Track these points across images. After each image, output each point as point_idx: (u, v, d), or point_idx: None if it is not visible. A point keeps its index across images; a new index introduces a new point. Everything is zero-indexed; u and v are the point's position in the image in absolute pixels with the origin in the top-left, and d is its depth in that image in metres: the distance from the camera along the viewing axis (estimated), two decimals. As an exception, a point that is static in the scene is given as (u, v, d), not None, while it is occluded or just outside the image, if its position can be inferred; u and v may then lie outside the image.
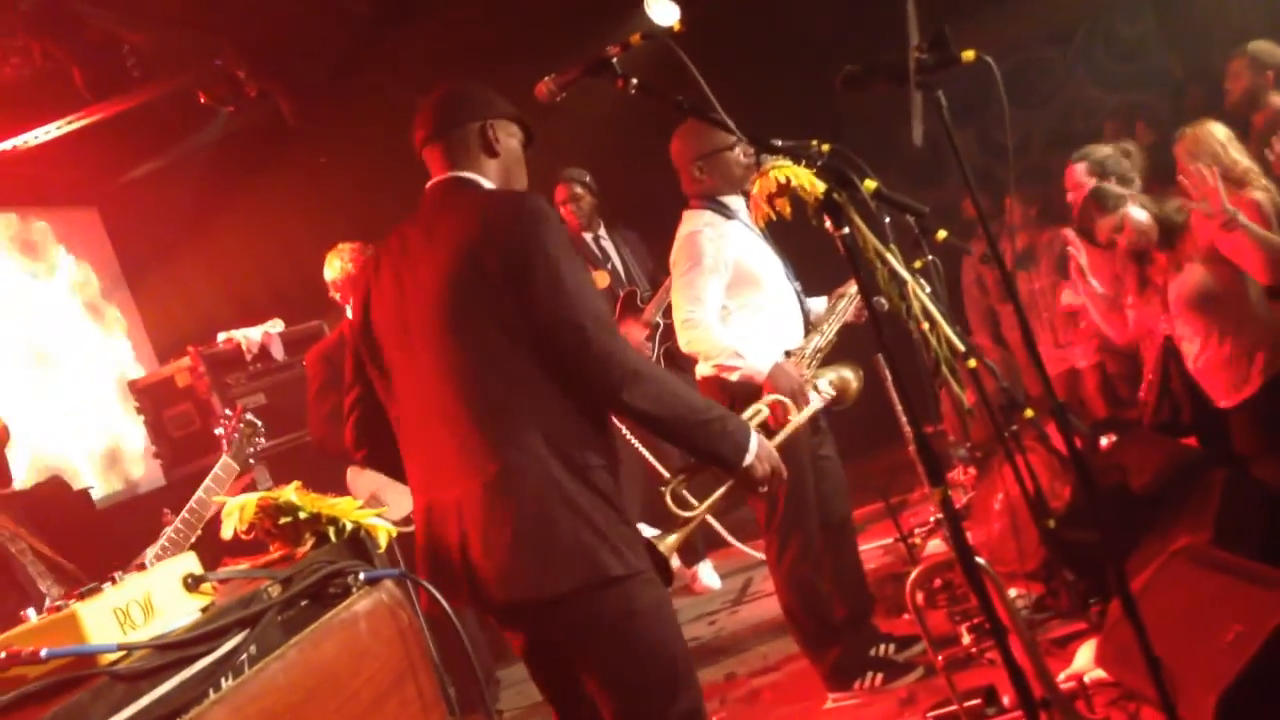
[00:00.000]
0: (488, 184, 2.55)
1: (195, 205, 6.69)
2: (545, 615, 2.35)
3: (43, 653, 1.09)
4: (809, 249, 4.56)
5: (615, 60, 2.51)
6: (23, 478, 5.79)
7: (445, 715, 1.45)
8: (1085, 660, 3.36)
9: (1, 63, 4.85)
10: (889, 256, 2.45)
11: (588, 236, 5.67)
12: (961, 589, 4.16)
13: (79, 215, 6.69)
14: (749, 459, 2.47)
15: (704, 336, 3.76)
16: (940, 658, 3.21)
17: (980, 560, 2.44)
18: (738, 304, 3.87)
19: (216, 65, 5.49)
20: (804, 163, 2.63)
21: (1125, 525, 3.83)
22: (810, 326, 3.99)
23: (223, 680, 1.19)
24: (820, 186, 2.36)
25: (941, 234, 3.49)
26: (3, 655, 1.09)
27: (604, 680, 2.41)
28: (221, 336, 5.27)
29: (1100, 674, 3.26)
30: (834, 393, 3.64)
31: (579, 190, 5.62)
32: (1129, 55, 7.88)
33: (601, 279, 5.25)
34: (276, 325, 5.36)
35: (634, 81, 2.49)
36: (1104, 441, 5.02)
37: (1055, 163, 6.40)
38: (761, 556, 5.00)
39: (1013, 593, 3.83)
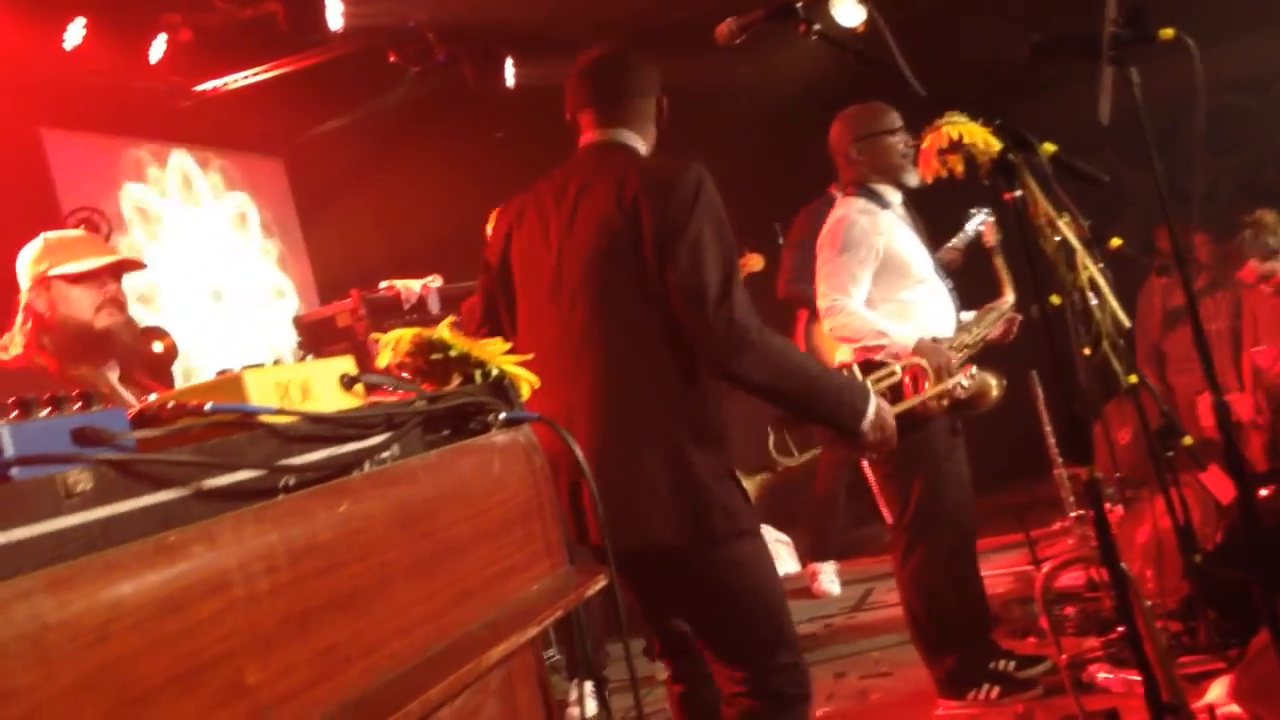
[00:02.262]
0: (644, 151, 2.65)
1: (372, 163, 6.97)
2: (646, 566, 2.39)
3: (207, 406, 1.15)
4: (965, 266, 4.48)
5: (799, 5, 2.52)
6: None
7: (565, 561, 1.47)
8: (1219, 694, 3.21)
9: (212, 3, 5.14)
10: (1060, 224, 2.40)
11: None
12: (1092, 612, 4.03)
13: (265, 164, 7.04)
14: (864, 424, 2.50)
15: (847, 321, 3.66)
16: (1065, 657, 3.10)
17: (1122, 565, 2.36)
18: (884, 296, 3.77)
19: (410, 26, 5.73)
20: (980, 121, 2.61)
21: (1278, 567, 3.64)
22: (959, 328, 3.90)
23: (366, 465, 1.24)
24: (996, 145, 2.31)
25: (1116, 241, 3.38)
26: (171, 405, 1.16)
27: (707, 632, 2.51)
28: (383, 284, 5.45)
29: (1234, 709, 3.10)
30: (973, 388, 3.55)
31: None
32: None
33: (755, 262, 5.16)
34: (436, 280, 5.52)
35: (816, 27, 2.49)
36: (1263, 492, 4.80)
37: (1243, 212, 6.14)
38: (886, 570, 4.91)
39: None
